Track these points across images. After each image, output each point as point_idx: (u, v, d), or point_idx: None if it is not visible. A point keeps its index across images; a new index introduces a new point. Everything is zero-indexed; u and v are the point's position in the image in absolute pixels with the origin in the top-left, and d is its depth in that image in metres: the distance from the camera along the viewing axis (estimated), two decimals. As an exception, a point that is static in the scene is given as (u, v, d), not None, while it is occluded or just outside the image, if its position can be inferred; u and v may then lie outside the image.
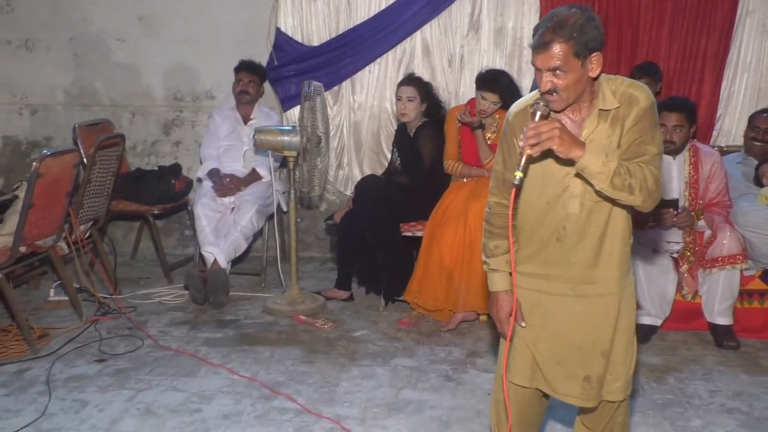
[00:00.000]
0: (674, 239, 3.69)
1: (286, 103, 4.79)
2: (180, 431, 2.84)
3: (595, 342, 1.99)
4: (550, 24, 1.78)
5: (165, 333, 3.80)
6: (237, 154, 4.57)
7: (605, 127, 1.86)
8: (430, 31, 4.64)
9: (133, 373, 3.34)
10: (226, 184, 4.40)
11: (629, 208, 1.91)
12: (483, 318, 3.78)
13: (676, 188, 3.71)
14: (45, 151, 3.67)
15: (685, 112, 3.58)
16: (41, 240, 3.77)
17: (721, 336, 3.57)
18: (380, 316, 3.98)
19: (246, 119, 4.57)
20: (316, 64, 4.72)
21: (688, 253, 3.66)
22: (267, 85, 4.74)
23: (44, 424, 2.90)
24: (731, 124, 4.59)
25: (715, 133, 4.59)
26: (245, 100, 4.54)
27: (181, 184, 4.72)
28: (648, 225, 3.65)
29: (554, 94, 1.81)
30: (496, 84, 3.74)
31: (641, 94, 1.85)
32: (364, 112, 4.82)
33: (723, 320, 3.59)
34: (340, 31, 4.72)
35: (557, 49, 1.76)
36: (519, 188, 1.83)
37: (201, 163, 4.62)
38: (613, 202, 1.85)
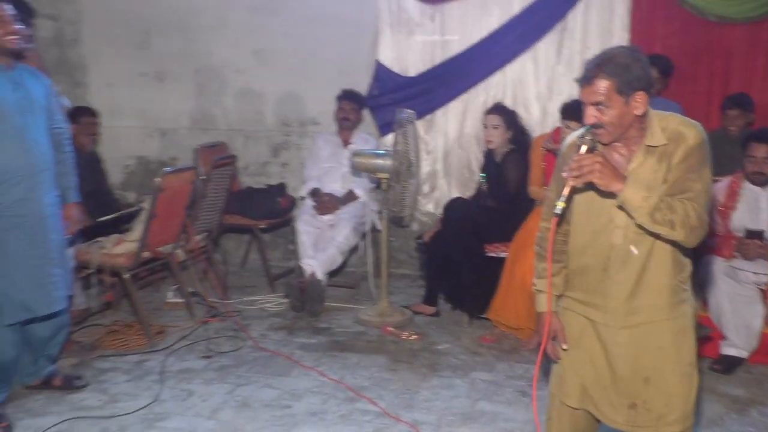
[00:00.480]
0: (761, 270, 3.52)
1: (384, 129, 4.93)
2: (271, 424, 2.99)
3: (635, 370, 1.95)
4: (598, 60, 1.81)
5: (265, 336, 3.99)
6: (336, 175, 4.74)
7: (652, 163, 1.85)
8: (519, 63, 4.67)
9: (234, 370, 3.53)
10: (325, 203, 4.58)
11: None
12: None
13: (765, 219, 3.55)
14: (167, 169, 3.98)
15: (776, 143, 3.45)
16: (162, 247, 4.07)
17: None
18: (463, 331, 4.01)
19: (346, 143, 4.75)
20: (411, 93, 4.83)
21: (775, 286, 3.50)
22: (366, 113, 4.91)
23: (156, 408, 3.13)
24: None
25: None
26: (346, 126, 4.73)
27: (286, 202, 4.94)
28: (732, 255, 3.52)
29: (600, 129, 1.83)
30: (580, 113, 3.71)
31: (690, 131, 1.84)
32: (454, 138, 4.89)
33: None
34: (435, 64, 4.81)
35: (601, 84, 1.79)
36: (560, 217, 1.86)
37: (304, 183, 4.82)
38: (656, 235, 1.84)
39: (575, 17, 4.54)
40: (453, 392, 3.27)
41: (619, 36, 4.48)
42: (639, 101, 1.81)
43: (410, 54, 4.85)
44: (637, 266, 1.90)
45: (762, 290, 3.51)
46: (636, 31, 4.40)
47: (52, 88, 3.11)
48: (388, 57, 4.85)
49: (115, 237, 3.99)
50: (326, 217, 4.57)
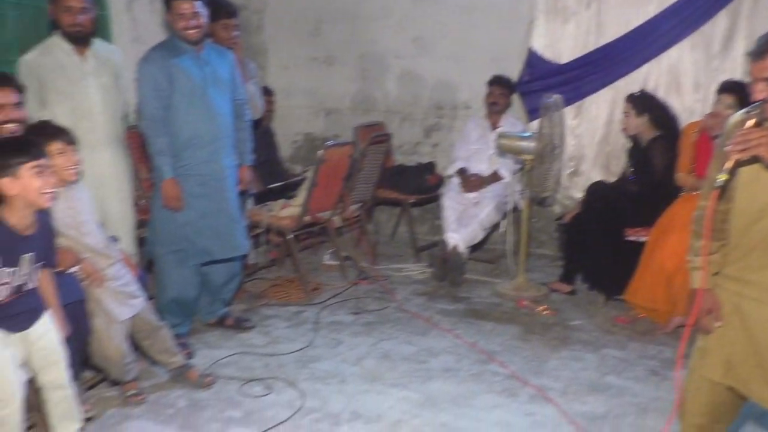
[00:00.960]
0: None
1: (532, 114, 4.90)
2: (408, 375, 3.16)
3: None
4: None
5: (408, 300, 4.16)
6: (483, 156, 4.79)
7: None
8: (677, 49, 4.45)
9: (378, 326, 3.74)
10: (471, 182, 4.67)
11: None
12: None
13: None
14: (329, 142, 4.26)
15: None
16: (321, 213, 4.36)
17: None
18: (598, 311, 3.95)
19: (494, 127, 4.78)
20: (562, 80, 4.75)
21: None
22: (516, 98, 4.91)
23: (310, 352, 3.41)
24: None
25: None
26: (495, 110, 4.76)
27: (435, 179, 5.07)
28: None
29: None
30: (737, 89, 3.50)
31: None
32: (603, 125, 4.75)
33: None
34: (588, 50, 4.72)
35: None
36: (721, 190, 1.80)
37: (452, 162, 4.93)
38: None
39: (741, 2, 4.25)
40: (582, 364, 3.26)
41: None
42: None
43: (563, 41, 4.76)
44: None
45: None
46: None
47: (234, 64, 3.41)
48: (540, 44, 4.80)
49: (281, 201, 4.33)
50: (471, 195, 4.65)
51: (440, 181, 5.07)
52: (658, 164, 3.90)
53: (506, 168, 4.66)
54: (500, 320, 3.84)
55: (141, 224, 3.56)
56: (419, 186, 4.99)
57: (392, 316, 3.89)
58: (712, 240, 1.95)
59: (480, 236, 4.52)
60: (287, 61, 5.79)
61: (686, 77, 4.47)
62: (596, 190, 4.15)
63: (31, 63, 3.02)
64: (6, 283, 2.19)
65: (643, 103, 4.02)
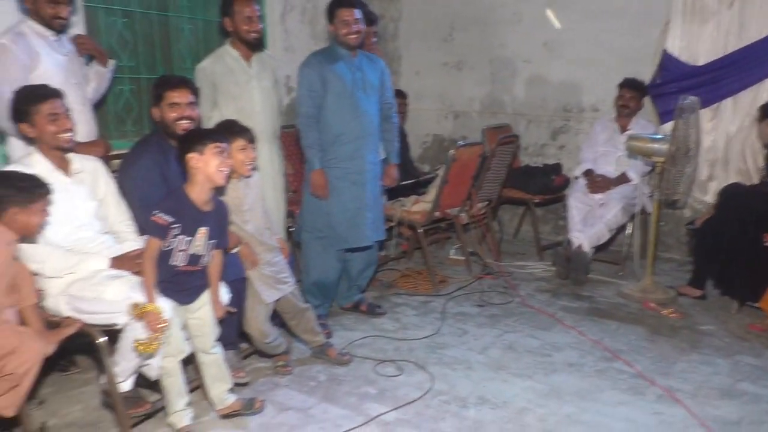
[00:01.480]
0: None
1: (664, 117, 4.67)
2: (533, 366, 3.14)
3: None
4: None
5: (530, 296, 4.12)
6: (611, 159, 4.63)
7: None
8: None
9: (502, 319, 3.74)
10: (597, 183, 4.53)
11: None
12: None
13: None
14: (460, 142, 4.30)
15: None
16: (450, 209, 4.42)
17: None
18: (730, 317, 3.71)
19: (623, 129, 4.61)
20: (698, 82, 4.50)
21: None
22: (647, 101, 4.71)
23: (437, 339, 3.47)
24: None
25: None
26: (625, 113, 4.59)
27: (560, 180, 4.98)
28: None
29: None
30: None
31: None
32: (739, 129, 4.45)
33: None
34: (728, 52, 4.44)
35: None
36: None
37: (579, 164, 4.81)
38: None
39: None
40: (713, 369, 3.09)
41: None
42: None
43: (701, 42, 4.50)
44: None
45: None
46: None
47: (384, 71, 3.57)
48: (676, 46, 4.57)
49: (413, 198, 4.43)
50: (597, 196, 4.52)
51: (566, 182, 4.97)
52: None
53: (635, 170, 4.48)
54: (625, 320, 3.72)
55: (288, 214, 3.79)
56: (545, 186, 4.91)
57: (516, 311, 3.88)
58: None
59: (605, 237, 4.39)
60: (419, 67, 5.90)
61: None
62: (732, 192, 3.90)
63: (206, 69, 3.31)
64: (183, 250, 2.43)
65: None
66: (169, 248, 2.41)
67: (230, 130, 2.70)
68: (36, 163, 2.45)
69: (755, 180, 4.22)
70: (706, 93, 4.39)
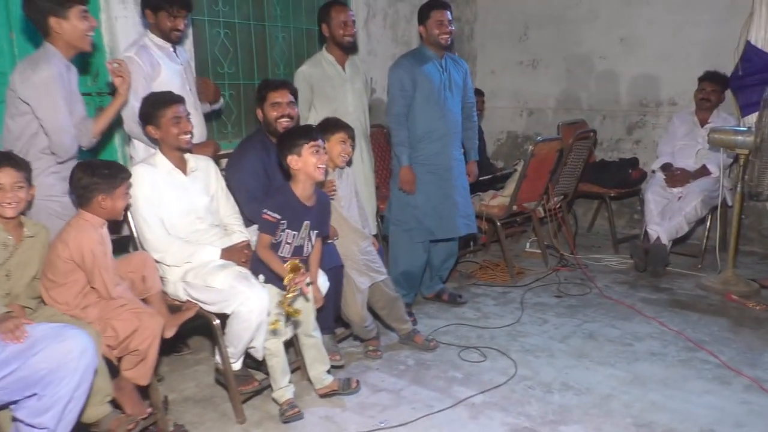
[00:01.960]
0: None
1: (746, 109, 4.47)
2: (614, 355, 3.11)
3: None
4: None
5: (608, 287, 4.05)
6: (690, 152, 4.49)
7: None
8: None
9: (581, 309, 3.70)
10: (676, 176, 4.40)
11: None
12: None
13: None
14: (539, 138, 4.28)
15: None
16: (527, 203, 4.41)
17: None
18: (818, 311, 3.56)
19: (703, 123, 4.46)
20: (781, 73, 4.31)
21: None
22: (728, 94, 4.53)
23: (518, 328, 3.48)
24: None
25: None
26: (705, 107, 4.44)
27: (637, 174, 4.86)
28: None
29: None
30: None
31: None
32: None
33: None
34: (815, 42, 4.21)
35: None
36: None
37: (657, 158, 4.68)
38: None
39: None
40: (803, 362, 2.98)
41: None
42: None
43: (786, 32, 4.30)
44: None
45: None
46: None
47: (468, 73, 3.63)
48: (760, 37, 4.35)
49: (491, 192, 4.44)
50: (676, 189, 4.39)
51: (643, 176, 4.85)
52: None
53: (715, 163, 4.32)
54: (707, 312, 3.61)
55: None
56: (622, 180, 4.81)
57: (594, 301, 3.83)
58: None
59: (684, 230, 4.26)
60: (494, 66, 5.88)
61: None
62: (819, 186, 3.71)
63: (304, 73, 3.44)
64: (289, 243, 2.56)
65: None
66: (277, 241, 2.53)
67: (336, 125, 2.87)
68: (159, 162, 2.63)
69: None
70: (790, 85, 4.18)
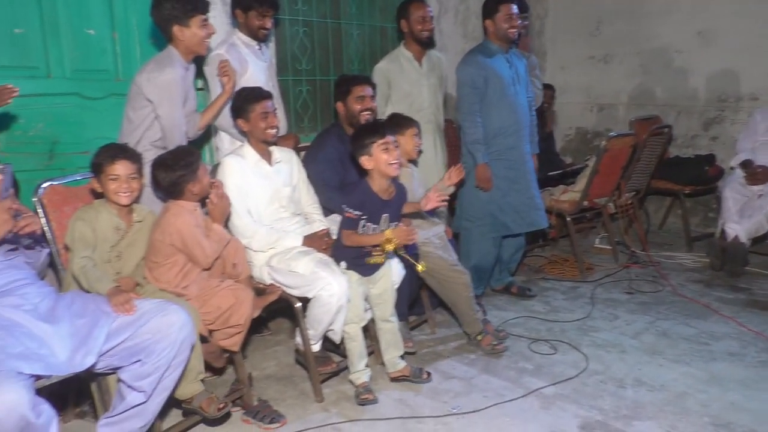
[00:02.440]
0: None
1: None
2: (689, 353, 3.02)
3: None
4: None
5: (682, 285, 3.93)
6: (772, 149, 4.30)
7: None
8: None
9: (653, 307, 3.61)
10: (757, 174, 4.20)
11: None
12: None
13: None
14: (612, 133, 4.19)
15: None
16: (598, 199, 4.33)
17: None
18: None
19: (787, 118, 4.26)
20: None
21: None
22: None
23: (588, 323, 3.43)
24: None
25: None
26: (789, 101, 4.24)
27: (714, 171, 4.68)
28: None
29: None
30: None
31: None
32: None
33: None
34: None
35: None
36: None
37: (736, 154, 4.49)
38: None
39: None
40: None
41: None
42: None
43: None
44: None
45: None
46: None
47: (527, 66, 3.61)
48: None
49: (561, 187, 4.39)
50: (756, 187, 4.20)
51: (720, 173, 4.67)
52: None
53: (801, 160, 4.12)
54: (789, 313, 3.46)
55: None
56: (697, 177, 4.65)
57: (667, 299, 3.73)
58: None
59: (765, 228, 4.07)
60: (564, 61, 5.78)
61: None
62: None
63: (383, 68, 3.51)
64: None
65: None
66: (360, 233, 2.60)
67: (407, 119, 2.97)
68: (247, 153, 2.74)
69: None
70: None
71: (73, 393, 2.45)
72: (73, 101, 3.02)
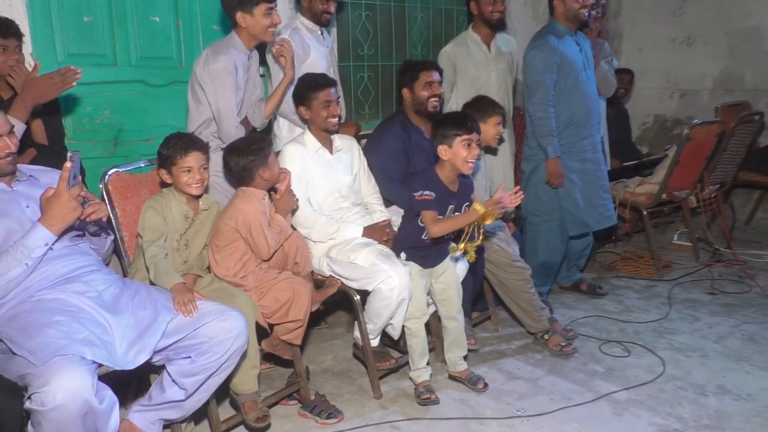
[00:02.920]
0: None
1: None
2: (781, 360, 2.86)
3: None
4: None
5: (772, 287, 3.73)
6: None
7: None
8: None
9: (739, 309, 3.42)
10: None
11: None
12: None
13: None
14: (695, 121, 3.97)
15: None
16: (678, 192, 4.12)
17: None
18: None
19: None
20: None
21: None
22: None
23: (665, 324, 3.29)
24: None
25: None
26: None
27: (809, 163, 4.39)
28: None
29: None
30: None
31: None
32: None
33: None
34: None
35: None
36: None
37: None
38: None
39: None
40: None
41: None
42: None
43: None
44: None
45: None
46: None
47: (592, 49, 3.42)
48: None
49: (637, 179, 4.20)
50: None
51: (819, 165, 4.37)
52: None
53: None
54: None
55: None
56: (790, 169, 4.36)
57: (755, 301, 3.52)
58: None
59: None
60: (643, 44, 5.53)
61: None
62: None
63: (449, 52, 3.44)
64: None
65: None
66: (423, 225, 2.54)
67: (494, 107, 2.91)
68: (307, 141, 2.74)
69: None
70: None
71: (135, 380, 2.53)
72: (138, 88, 3.10)
